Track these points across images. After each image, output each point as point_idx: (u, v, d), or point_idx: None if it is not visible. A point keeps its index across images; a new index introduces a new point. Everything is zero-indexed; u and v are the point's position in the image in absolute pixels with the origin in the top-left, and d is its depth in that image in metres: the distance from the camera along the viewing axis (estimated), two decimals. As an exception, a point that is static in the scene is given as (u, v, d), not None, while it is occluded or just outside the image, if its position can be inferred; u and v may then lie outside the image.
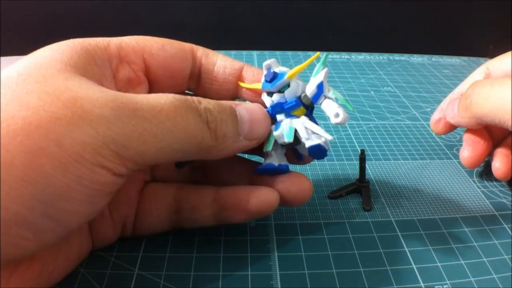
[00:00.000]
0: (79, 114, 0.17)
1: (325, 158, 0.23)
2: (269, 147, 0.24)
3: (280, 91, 0.24)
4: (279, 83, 0.24)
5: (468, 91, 0.29)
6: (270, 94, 0.24)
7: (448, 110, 0.32)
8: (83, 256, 0.23)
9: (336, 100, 0.23)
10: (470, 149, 0.31)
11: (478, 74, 0.33)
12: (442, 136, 0.39)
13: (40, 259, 0.20)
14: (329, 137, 0.23)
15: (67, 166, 0.16)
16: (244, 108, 0.22)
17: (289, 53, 0.61)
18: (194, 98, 0.21)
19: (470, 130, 0.32)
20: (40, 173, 0.16)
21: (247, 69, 0.26)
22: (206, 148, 0.21)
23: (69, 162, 0.16)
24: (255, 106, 0.23)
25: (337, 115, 0.22)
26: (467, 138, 0.32)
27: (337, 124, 0.23)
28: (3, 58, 0.53)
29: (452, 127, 0.33)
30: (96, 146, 0.17)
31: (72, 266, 0.22)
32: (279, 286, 0.23)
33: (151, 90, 0.25)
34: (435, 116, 0.34)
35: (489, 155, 0.32)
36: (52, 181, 0.16)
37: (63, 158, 0.16)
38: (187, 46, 0.25)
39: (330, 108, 0.23)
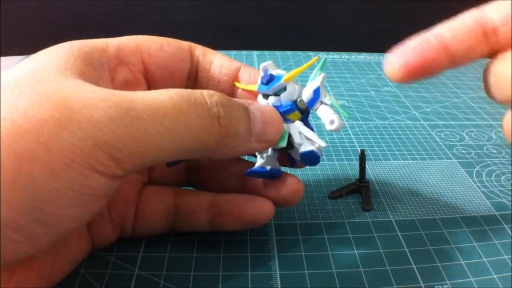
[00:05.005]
0: (67, 115, 0.16)
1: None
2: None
3: (276, 94, 0.24)
4: (275, 86, 0.23)
5: None
6: (265, 96, 0.24)
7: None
8: (83, 256, 0.23)
9: (332, 106, 0.23)
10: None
11: (470, 17, 0.23)
12: (442, 136, 0.39)
13: (39, 260, 0.20)
14: (322, 143, 0.23)
15: (56, 171, 0.16)
16: (257, 108, 0.21)
17: (289, 53, 0.60)
18: (205, 91, 0.20)
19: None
20: (29, 178, 0.15)
21: (244, 70, 0.25)
22: (214, 146, 0.19)
23: (59, 166, 0.16)
24: (268, 107, 0.22)
25: (332, 122, 0.22)
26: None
27: (331, 130, 0.23)
28: (3, 58, 0.54)
29: (417, 75, 0.22)
30: (86, 148, 0.16)
31: (72, 266, 0.22)
32: (279, 286, 0.23)
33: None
34: (398, 58, 0.23)
35: None
36: (42, 186, 0.16)
37: (52, 162, 0.16)
38: (186, 45, 0.25)
39: (325, 114, 0.23)
